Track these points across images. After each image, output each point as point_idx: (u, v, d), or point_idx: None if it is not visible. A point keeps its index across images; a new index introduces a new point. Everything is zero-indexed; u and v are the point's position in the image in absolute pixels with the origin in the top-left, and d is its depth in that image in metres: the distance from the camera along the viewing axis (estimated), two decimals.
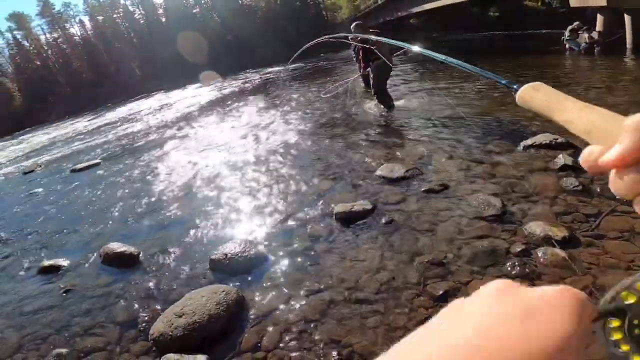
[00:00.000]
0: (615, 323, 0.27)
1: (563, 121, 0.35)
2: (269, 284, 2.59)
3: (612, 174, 0.26)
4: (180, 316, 2.36)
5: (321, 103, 8.62)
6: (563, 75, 6.91)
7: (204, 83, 29.17)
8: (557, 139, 3.50)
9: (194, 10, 50.88)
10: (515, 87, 0.43)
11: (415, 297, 2.08)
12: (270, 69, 26.12)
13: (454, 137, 4.34)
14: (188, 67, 39.85)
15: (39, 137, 21.93)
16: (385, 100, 6.37)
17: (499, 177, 3.16)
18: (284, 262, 2.77)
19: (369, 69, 6.21)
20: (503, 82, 0.52)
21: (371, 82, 6.39)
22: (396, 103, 6.65)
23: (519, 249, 2.22)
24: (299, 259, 2.76)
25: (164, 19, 51.56)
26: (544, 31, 15.43)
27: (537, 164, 3.26)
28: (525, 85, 0.41)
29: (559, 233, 2.21)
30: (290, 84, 15.28)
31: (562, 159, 3.11)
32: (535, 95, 0.39)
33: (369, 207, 3.10)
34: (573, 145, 3.40)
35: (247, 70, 30.74)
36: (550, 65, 8.09)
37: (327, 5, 50.30)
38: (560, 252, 2.05)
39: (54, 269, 3.62)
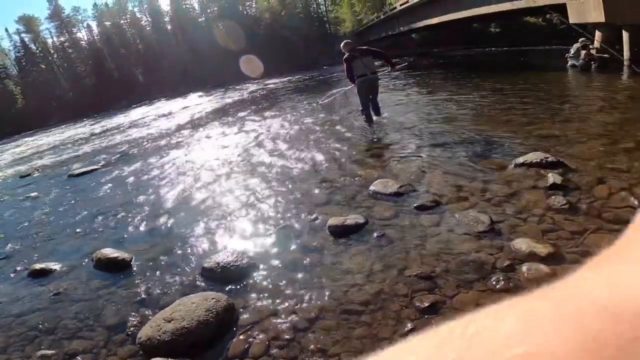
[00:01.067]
0: None
1: None
2: (259, 293, 2.61)
3: None
4: (169, 321, 2.38)
5: (317, 115, 8.71)
6: (557, 91, 7.01)
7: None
8: (548, 157, 3.55)
9: (200, 19, 51.59)
10: None
11: (402, 309, 2.11)
12: (271, 80, 26.39)
13: (447, 154, 4.40)
14: (190, 76, 40.28)
15: (38, 140, 22.01)
16: (367, 113, 6.69)
17: (490, 194, 3.21)
18: (275, 272, 2.80)
19: (354, 84, 6.50)
20: None
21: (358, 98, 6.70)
22: (392, 117, 6.80)
23: (504, 264, 2.26)
24: (290, 270, 2.78)
25: (169, 27, 52.22)
26: (545, 47, 15.66)
27: (527, 182, 3.31)
28: None
29: (544, 250, 2.26)
30: (290, 95, 15.43)
31: (551, 177, 3.17)
32: None
33: (362, 221, 3.14)
34: (563, 164, 3.46)
35: (249, 81, 31.04)
36: (546, 81, 8.21)
37: (331, 19, 51.07)
38: (544, 268, 2.09)
39: (45, 273, 3.62)
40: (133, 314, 2.68)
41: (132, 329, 2.52)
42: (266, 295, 2.57)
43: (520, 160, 3.66)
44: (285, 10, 48.66)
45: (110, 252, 3.53)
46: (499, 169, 3.68)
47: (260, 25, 48.08)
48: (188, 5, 51.90)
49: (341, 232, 3.05)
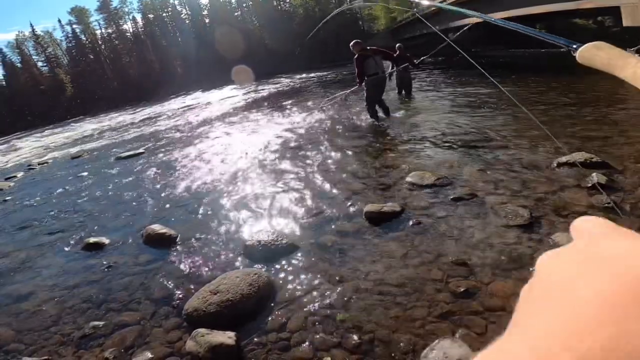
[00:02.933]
0: None
1: (628, 77, 0.36)
2: (297, 271, 2.73)
3: None
4: (215, 293, 2.51)
5: (351, 109, 8.76)
6: (606, 95, 6.71)
7: (237, 80, 30.12)
8: (593, 158, 3.48)
9: (236, 14, 52.57)
10: (574, 46, 0.45)
11: (437, 292, 2.18)
12: (302, 75, 26.61)
13: (486, 151, 4.38)
14: (225, 69, 41.12)
15: (86, 126, 23.29)
16: (373, 111, 6.90)
17: (530, 190, 3.20)
18: (313, 253, 2.91)
19: (360, 85, 6.71)
20: (561, 41, 0.53)
21: (364, 95, 6.92)
22: (424, 113, 6.95)
23: None
24: (328, 251, 2.89)
25: (207, 20, 53.50)
26: None
27: (569, 180, 3.27)
28: (587, 44, 0.43)
29: None
30: (320, 90, 15.50)
31: (595, 177, 3.11)
32: (597, 53, 0.41)
33: (398, 209, 3.21)
34: (608, 165, 3.38)
35: (280, 75, 31.41)
36: (593, 83, 7.86)
37: (364, 16, 50.61)
38: None
39: (98, 247, 3.83)
40: (178, 287, 2.84)
41: (177, 301, 2.66)
42: (304, 274, 2.69)
43: (563, 159, 3.60)
44: (319, 7, 48.70)
45: (158, 228, 3.76)
46: (541, 167, 3.64)
47: (293, 21, 48.41)
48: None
49: (377, 219, 3.14)
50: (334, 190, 4.03)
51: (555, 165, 3.60)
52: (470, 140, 4.92)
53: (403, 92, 9.38)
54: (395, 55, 8.07)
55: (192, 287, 2.80)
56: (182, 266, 3.15)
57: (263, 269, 2.79)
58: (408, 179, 3.84)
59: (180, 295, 2.73)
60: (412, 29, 32.45)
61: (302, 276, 2.67)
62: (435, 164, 4.25)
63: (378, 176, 4.22)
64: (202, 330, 2.24)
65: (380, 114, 7.02)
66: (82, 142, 14.91)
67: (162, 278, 3.02)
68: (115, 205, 5.19)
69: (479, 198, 3.20)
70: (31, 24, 60.27)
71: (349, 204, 3.59)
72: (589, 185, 3.07)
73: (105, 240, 3.94)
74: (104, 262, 3.47)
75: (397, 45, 8.76)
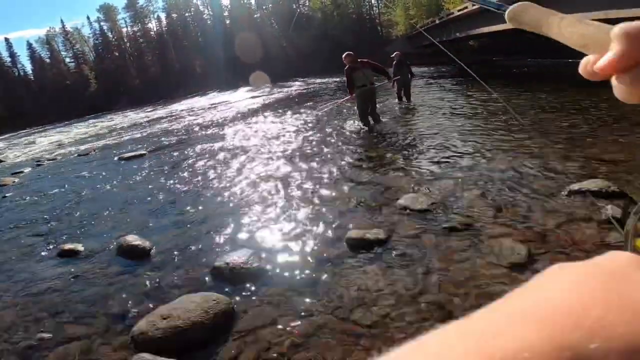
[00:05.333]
0: None
1: (556, 35, 0.36)
2: (263, 299, 2.49)
3: (613, 80, 0.28)
4: (165, 318, 2.33)
5: (346, 119, 8.51)
6: (631, 113, 6.23)
7: (254, 84, 30.38)
8: (610, 187, 3.09)
9: (255, 16, 53.15)
10: (503, 8, 0.46)
11: (406, 337, 1.88)
12: (317, 80, 26.54)
13: (489, 173, 3.96)
14: (242, 70, 41.57)
15: (105, 122, 23.86)
16: (366, 121, 7.26)
17: (533, 222, 2.83)
18: (284, 280, 2.67)
19: (351, 95, 7.11)
20: (492, 5, 0.54)
21: (356, 105, 7.38)
22: (426, 126, 6.75)
23: None
24: (300, 279, 2.64)
25: (228, 21, 54.24)
26: None
27: (579, 212, 2.88)
28: (515, 4, 0.43)
29: None
30: (331, 97, 15.31)
31: (609, 209, 2.74)
32: (525, 11, 0.41)
33: (383, 237, 2.90)
34: (626, 195, 2.99)
35: (296, 79, 31.43)
36: (617, 100, 7.34)
37: (383, 21, 50.26)
38: None
39: (72, 253, 3.75)
40: (136, 305, 2.68)
41: (131, 320, 2.50)
42: (268, 302, 2.44)
43: (576, 186, 3.20)
44: (338, 11, 48.72)
45: (133, 239, 3.59)
46: (549, 195, 3.24)
47: (312, 25, 48.57)
48: (245, 2, 53.59)
49: (360, 246, 2.85)
50: (319, 210, 3.73)
51: (565, 193, 3.21)
52: (472, 158, 4.54)
53: (404, 98, 9.62)
54: (393, 62, 8.91)
55: (151, 305, 2.62)
56: (147, 282, 2.96)
57: (227, 294, 2.55)
58: (400, 201, 3.50)
59: (135, 314, 2.57)
60: (431, 35, 31.94)
61: (266, 305, 2.42)
62: (431, 185, 3.89)
63: (369, 196, 3.87)
64: (144, 356, 2.10)
65: (372, 122, 7.31)
66: (95, 138, 15.19)
67: (124, 293, 2.86)
68: (103, 209, 5.06)
69: (474, 228, 2.85)
70: (62, 20, 62.06)
71: (333, 226, 3.29)
72: (602, 219, 2.70)
73: (80, 247, 3.82)
74: (72, 271, 3.37)
75: (395, 53, 9.33)
